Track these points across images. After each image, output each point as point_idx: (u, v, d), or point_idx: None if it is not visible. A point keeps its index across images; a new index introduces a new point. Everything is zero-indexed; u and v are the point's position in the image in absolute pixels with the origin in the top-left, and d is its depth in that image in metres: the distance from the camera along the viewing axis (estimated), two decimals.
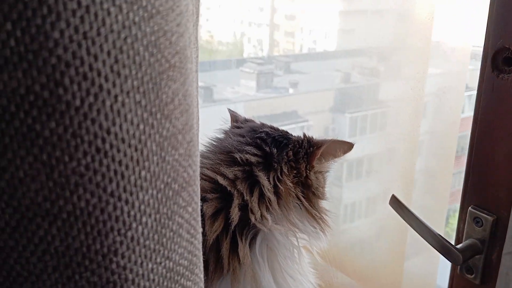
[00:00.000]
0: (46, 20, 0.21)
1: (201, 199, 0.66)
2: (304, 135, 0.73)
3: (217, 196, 0.66)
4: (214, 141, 0.74)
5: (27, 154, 0.22)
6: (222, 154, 0.70)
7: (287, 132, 0.75)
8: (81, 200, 0.23)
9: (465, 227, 0.60)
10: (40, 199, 0.23)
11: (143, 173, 0.25)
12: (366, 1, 1.21)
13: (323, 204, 0.73)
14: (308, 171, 0.71)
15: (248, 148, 0.69)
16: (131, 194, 0.25)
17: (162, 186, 0.26)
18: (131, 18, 0.23)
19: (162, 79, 0.25)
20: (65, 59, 0.22)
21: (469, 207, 0.59)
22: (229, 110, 0.81)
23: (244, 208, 0.66)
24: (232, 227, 0.65)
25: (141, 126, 0.24)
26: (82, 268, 0.24)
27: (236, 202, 0.66)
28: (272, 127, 0.75)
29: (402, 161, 1.11)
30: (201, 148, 0.74)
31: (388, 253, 1.12)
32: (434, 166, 1.00)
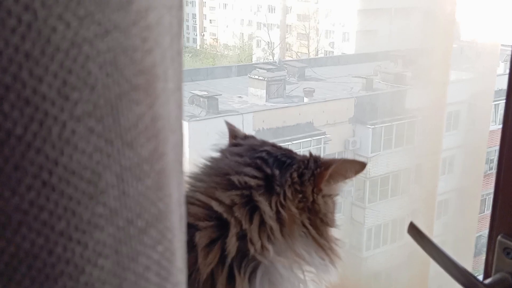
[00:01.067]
0: None
1: (193, 228, 0.65)
2: (310, 154, 0.72)
3: (212, 225, 0.66)
4: (208, 161, 0.73)
5: None
6: (218, 176, 0.69)
7: (291, 151, 0.74)
8: (25, 241, 0.23)
9: (494, 259, 0.58)
10: None
11: (98, 209, 0.24)
12: None
13: (333, 232, 0.72)
14: (315, 195, 0.70)
15: (247, 169, 0.69)
16: (84, 233, 0.24)
17: (123, 223, 0.26)
18: (82, 34, 0.23)
19: (121, 102, 0.25)
20: (4, 83, 0.21)
21: (498, 236, 0.58)
22: (227, 124, 0.81)
23: (243, 237, 0.66)
24: (229, 260, 0.64)
25: (96, 156, 0.24)
26: None
27: (233, 231, 0.65)
28: (274, 145, 0.74)
29: (427, 180, 1.09)
30: (194, 169, 0.73)
31: (416, 286, 1.10)
32: (460, 185, 0.98)
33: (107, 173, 0.25)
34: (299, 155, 0.73)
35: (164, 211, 0.28)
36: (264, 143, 0.75)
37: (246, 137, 0.78)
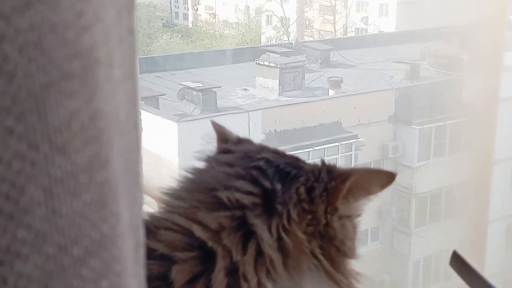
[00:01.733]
0: None
1: (169, 261, 0.66)
2: (323, 162, 0.73)
3: (193, 256, 0.66)
4: (190, 173, 0.74)
5: None
6: (201, 192, 0.70)
7: (297, 159, 0.75)
8: None
9: None
10: None
11: (20, 233, 0.25)
12: None
13: (353, 264, 0.72)
14: (330, 216, 0.70)
15: (239, 183, 0.69)
16: (2, 264, 0.25)
17: (54, 251, 0.26)
18: None
19: (49, 94, 0.25)
20: None
21: None
22: (214, 124, 0.81)
23: (233, 272, 0.66)
24: None
25: (16, 164, 0.25)
26: None
27: (221, 263, 0.66)
28: (276, 152, 0.75)
29: (484, 196, 1.10)
30: (172, 184, 0.74)
31: None
32: None
33: (32, 187, 0.25)
34: (308, 164, 0.73)
35: (109, 236, 0.29)
36: (262, 148, 0.76)
37: (239, 141, 0.79)
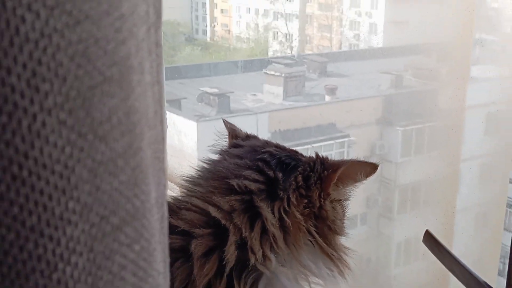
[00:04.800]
0: None
1: (188, 236, 0.67)
2: (317, 155, 0.74)
3: (209, 232, 0.68)
4: (207, 163, 0.76)
5: None
6: (216, 180, 0.71)
7: (296, 152, 0.76)
8: None
9: None
10: None
11: (71, 204, 0.27)
12: None
13: (342, 240, 0.74)
14: (323, 200, 0.72)
15: (247, 172, 0.71)
16: (56, 229, 0.26)
17: (97, 219, 0.28)
18: (52, 25, 0.25)
19: (94, 94, 0.27)
20: None
21: None
22: (226, 123, 0.83)
23: (243, 246, 0.67)
24: (228, 270, 0.66)
25: (68, 150, 0.26)
26: None
27: (232, 239, 0.67)
28: (277, 146, 0.76)
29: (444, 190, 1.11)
30: (191, 172, 0.76)
31: None
32: (483, 196, 0.99)
33: (80, 167, 0.27)
34: (305, 157, 0.75)
35: (140, 209, 0.30)
36: (266, 143, 0.77)
37: (247, 137, 0.80)
